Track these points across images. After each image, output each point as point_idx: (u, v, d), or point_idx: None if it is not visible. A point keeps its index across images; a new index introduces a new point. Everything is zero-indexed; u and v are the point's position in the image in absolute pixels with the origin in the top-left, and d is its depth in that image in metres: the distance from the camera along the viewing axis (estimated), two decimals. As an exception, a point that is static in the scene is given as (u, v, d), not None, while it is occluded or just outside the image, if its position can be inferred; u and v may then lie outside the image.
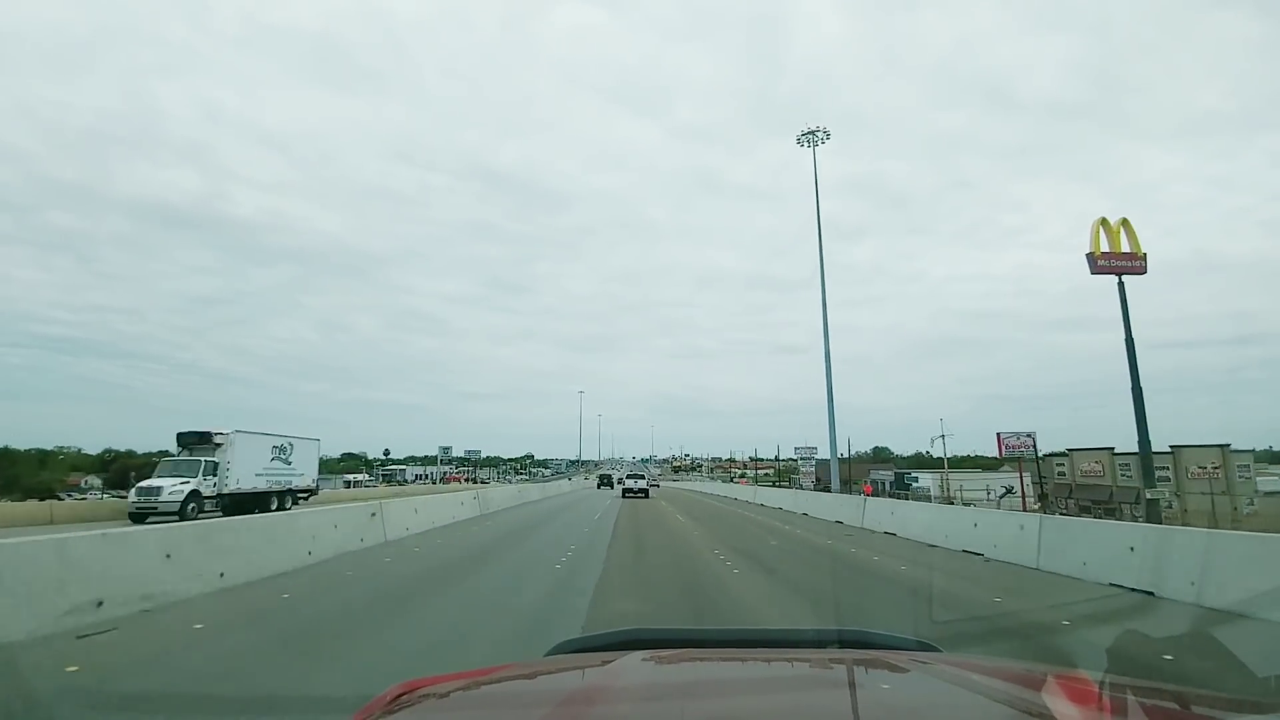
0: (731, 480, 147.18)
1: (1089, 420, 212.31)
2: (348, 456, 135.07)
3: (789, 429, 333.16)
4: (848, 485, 46.20)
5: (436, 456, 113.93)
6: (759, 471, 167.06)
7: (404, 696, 1.36)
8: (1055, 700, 1.15)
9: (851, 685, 1.46)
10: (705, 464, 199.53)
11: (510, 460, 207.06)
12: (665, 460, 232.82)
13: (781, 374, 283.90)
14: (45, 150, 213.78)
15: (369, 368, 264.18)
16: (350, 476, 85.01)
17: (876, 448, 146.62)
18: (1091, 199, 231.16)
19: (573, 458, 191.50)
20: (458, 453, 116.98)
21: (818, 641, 1.91)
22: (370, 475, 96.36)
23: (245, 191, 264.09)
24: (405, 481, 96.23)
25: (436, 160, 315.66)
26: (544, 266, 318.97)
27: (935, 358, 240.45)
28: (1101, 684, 1.23)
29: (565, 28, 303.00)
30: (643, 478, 43.79)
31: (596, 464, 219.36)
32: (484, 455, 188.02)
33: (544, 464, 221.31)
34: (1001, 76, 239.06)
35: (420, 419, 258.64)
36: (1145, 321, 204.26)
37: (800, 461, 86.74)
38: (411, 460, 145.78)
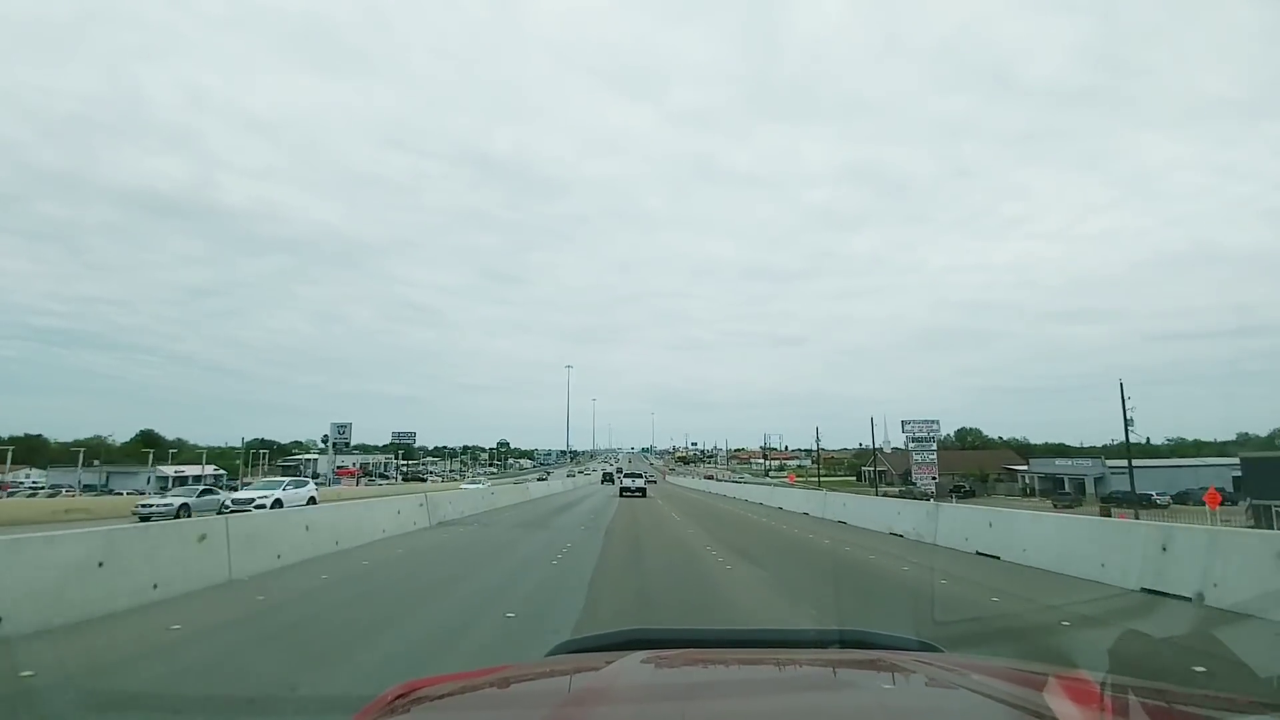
0: (765, 475, 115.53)
1: (1087, 415, 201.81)
2: (259, 443, 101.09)
3: (790, 421, 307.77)
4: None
5: (377, 445, 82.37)
6: (799, 463, 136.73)
7: (404, 697, 1.32)
8: (1057, 700, 1.13)
9: (852, 685, 1.45)
10: (722, 454, 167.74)
11: (487, 450, 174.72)
12: (666, 451, 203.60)
13: (780, 366, 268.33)
14: (32, 138, 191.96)
15: (365, 359, 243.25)
16: (170, 469, 52.23)
17: (961, 430, 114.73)
18: (1094, 187, 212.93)
19: (562, 449, 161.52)
20: (376, 439, 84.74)
21: (819, 641, 1.87)
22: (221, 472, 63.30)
23: (234, 179, 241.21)
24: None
25: (428, 147, 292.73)
26: (539, 256, 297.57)
27: (935, 349, 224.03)
28: (1103, 684, 1.21)
29: (557, 8, 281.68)
30: (640, 476, 45.37)
31: (592, 455, 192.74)
32: (465, 446, 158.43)
33: (529, 455, 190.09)
34: (1004, 61, 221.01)
35: (417, 411, 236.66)
36: (1145, 314, 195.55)
37: (914, 446, 56.10)
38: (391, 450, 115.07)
